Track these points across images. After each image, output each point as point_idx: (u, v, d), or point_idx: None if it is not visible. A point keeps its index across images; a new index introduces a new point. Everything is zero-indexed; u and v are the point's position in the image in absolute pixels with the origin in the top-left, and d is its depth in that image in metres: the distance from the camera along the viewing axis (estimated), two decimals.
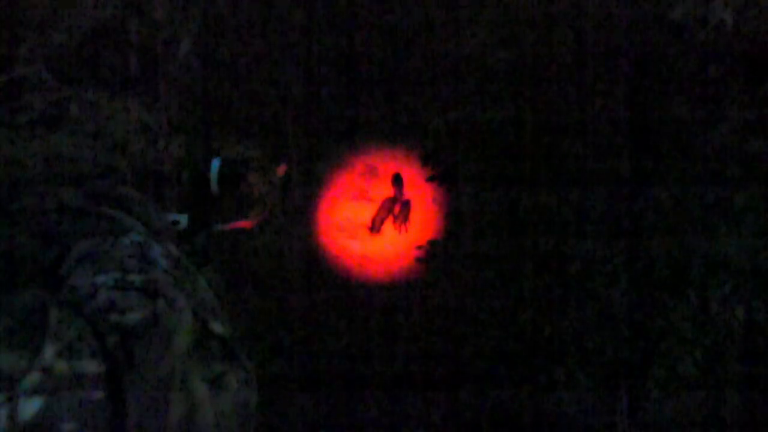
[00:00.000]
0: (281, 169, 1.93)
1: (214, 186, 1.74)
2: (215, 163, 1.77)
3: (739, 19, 4.04)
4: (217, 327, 1.18)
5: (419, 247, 4.29)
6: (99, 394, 1.07)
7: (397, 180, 4.35)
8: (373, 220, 4.35)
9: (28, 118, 1.33)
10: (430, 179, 4.29)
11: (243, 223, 1.80)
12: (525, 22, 4.15)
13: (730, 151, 4.05)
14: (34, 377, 1.05)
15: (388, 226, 4.37)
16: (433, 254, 4.26)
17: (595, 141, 4.12)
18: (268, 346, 4.05)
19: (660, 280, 4.00)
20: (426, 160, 4.28)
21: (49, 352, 1.06)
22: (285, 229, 4.19)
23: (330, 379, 4.07)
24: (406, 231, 4.33)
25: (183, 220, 1.66)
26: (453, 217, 4.25)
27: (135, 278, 1.13)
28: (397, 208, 4.36)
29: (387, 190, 4.36)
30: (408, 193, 4.37)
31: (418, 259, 4.28)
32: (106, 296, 1.10)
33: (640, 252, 4.04)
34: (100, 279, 1.12)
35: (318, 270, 4.24)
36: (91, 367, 1.08)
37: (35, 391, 1.05)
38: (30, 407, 1.06)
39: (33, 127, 1.30)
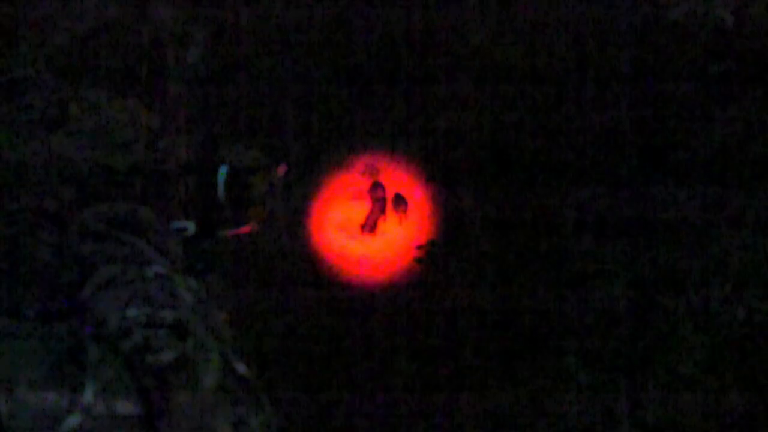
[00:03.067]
0: (281, 170, 1.93)
1: (221, 193, 1.74)
2: (222, 170, 1.76)
3: (739, 19, 4.04)
4: (240, 368, 1.20)
5: (419, 247, 4.29)
6: None
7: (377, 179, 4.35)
8: (366, 220, 4.35)
9: (28, 118, 1.33)
10: (430, 179, 4.29)
11: (245, 229, 1.80)
12: (525, 23, 4.15)
13: (730, 151, 4.05)
14: (75, 418, 1.06)
15: (389, 225, 4.37)
16: (433, 254, 4.26)
17: (596, 141, 4.12)
18: (268, 346, 4.05)
19: (660, 280, 4.00)
20: (426, 160, 4.28)
21: (89, 392, 1.08)
22: (285, 229, 4.19)
23: (330, 379, 4.07)
24: (407, 220, 4.32)
25: (190, 227, 1.66)
26: (453, 217, 4.25)
27: (166, 315, 1.15)
28: (386, 204, 4.36)
29: (386, 190, 4.37)
30: (408, 193, 4.37)
31: (418, 259, 4.28)
32: (140, 335, 1.12)
33: (640, 252, 4.04)
34: (131, 312, 1.14)
35: (318, 270, 4.24)
36: (128, 408, 1.10)
37: None
38: None
39: (33, 127, 1.30)
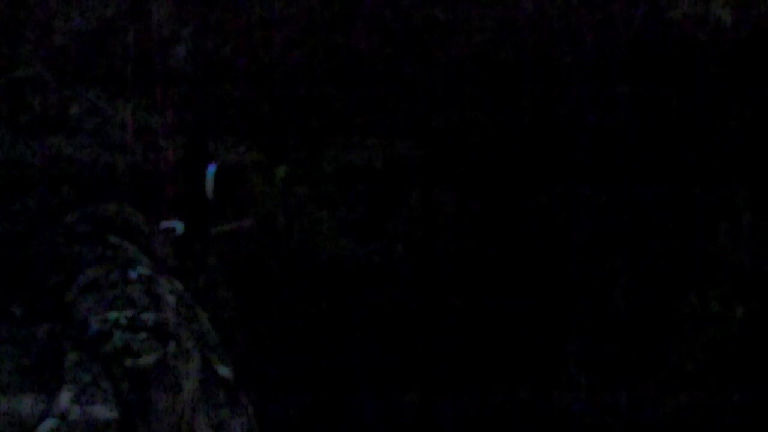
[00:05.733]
0: (281, 170, 1.93)
1: (209, 191, 1.73)
2: (211, 169, 1.76)
3: (738, 19, 4.04)
4: (222, 370, 1.20)
5: (417, 247, 4.29)
6: None
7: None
8: (366, 220, 4.35)
9: (29, 118, 1.33)
10: (429, 179, 4.28)
11: (241, 224, 1.80)
12: (525, 23, 4.15)
13: (731, 151, 4.05)
14: (50, 423, 1.07)
15: (388, 225, 4.36)
16: (432, 254, 4.25)
17: (595, 141, 4.12)
18: (266, 346, 4.05)
19: (660, 280, 4.00)
20: (426, 160, 4.28)
21: (65, 397, 1.08)
22: (285, 229, 4.19)
23: (329, 379, 4.07)
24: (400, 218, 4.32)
25: (179, 226, 1.65)
26: (452, 216, 4.25)
27: (147, 317, 1.15)
28: (385, 203, 4.35)
29: (386, 190, 4.36)
30: (408, 193, 4.36)
31: (417, 259, 4.27)
32: (120, 338, 1.12)
33: (639, 252, 4.04)
34: (112, 315, 1.14)
35: (318, 270, 4.24)
36: (105, 412, 1.10)
37: None
38: None
39: (33, 127, 1.30)
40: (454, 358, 4.11)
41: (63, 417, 1.12)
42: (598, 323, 4.01)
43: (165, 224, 1.63)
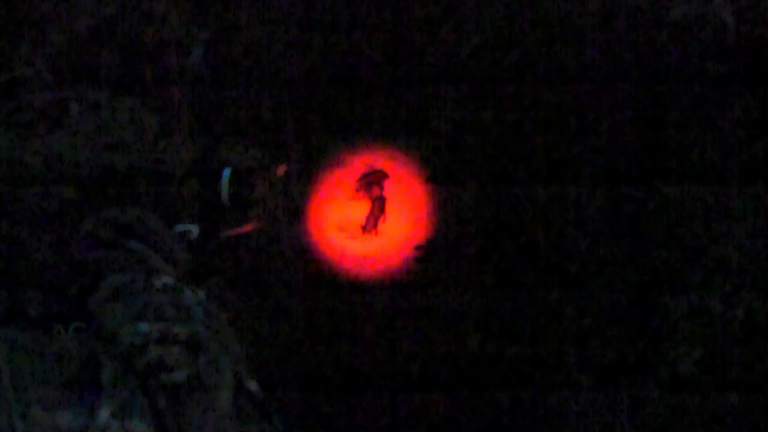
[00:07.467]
0: (281, 170, 1.92)
1: (224, 196, 1.72)
2: (225, 173, 1.75)
3: (739, 19, 4.04)
4: (251, 385, 1.19)
5: (419, 247, 4.28)
6: None
7: (378, 177, 4.34)
8: (367, 220, 4.34)
9: (28, 118, 1.33)
10: (430, 179, 4.28)
11: (247, 228, 1.80)
12: (525, 22, 4.15)
13: (730, 151, 4.05)
14: None
15: (389, 225, 4.36)
16: (433, 254, 4.25)
17: (595, 141, 4.12)
18: (267, 346, 4.05)
19: (660, 280, 4.00)
20: (426, 160, 4.27)
21: (104, 412, 1.08)
22: (285, 229, 4.19)
23: (330, 380, 4.07)
24: (380, 227, 4.31)
25: (194, 230, 1.65)
26: (453, 217, 4.25)
27: (179, 330, 1.15)
28: (386, 203, 4.35)
29: (386, 190, 4.36)
30: (408, 193, 4.36)
31: (418, 259, 4.27)
32: (154, 352, 1.12)
33: (640, 252, 4.04)
34: (143, 327, 1.14)
35: (318, 270, 4.24)
36: (142, 428, 1.10)
37: None
38: None
39: (33, 127, 1.30)
40: (454, 357, 4.10)
41: None
42: (598, 323, 4.01)
43: (180, 228, 1.62)
